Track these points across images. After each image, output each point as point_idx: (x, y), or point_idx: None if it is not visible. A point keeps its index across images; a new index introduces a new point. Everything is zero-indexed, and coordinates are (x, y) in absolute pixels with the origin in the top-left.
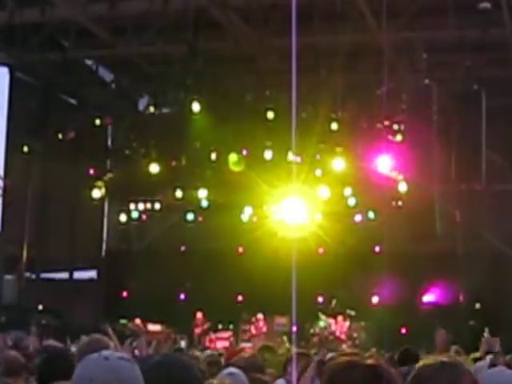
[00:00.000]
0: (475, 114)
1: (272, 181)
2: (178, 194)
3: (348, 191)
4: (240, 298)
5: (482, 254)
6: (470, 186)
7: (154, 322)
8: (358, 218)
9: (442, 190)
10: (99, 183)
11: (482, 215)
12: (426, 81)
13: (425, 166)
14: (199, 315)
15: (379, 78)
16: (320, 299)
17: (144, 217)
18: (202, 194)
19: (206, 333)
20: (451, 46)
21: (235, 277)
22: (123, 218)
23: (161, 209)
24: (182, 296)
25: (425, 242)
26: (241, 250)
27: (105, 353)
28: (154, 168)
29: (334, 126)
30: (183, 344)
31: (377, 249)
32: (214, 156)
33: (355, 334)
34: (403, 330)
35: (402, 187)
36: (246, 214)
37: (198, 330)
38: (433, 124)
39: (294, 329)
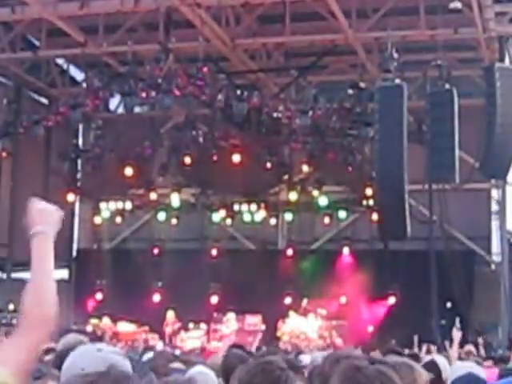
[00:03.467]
0: (447, 114)
1: (242, 183)
2: (151, 194)
3: (316, 192)
4: (211, 297)
5: (453, 254)
6: (441, 185)
7: (126, 321)
8: (327, 218)
9: (413, 189)
10: (70, 186)
11: (454, 214)
12: (397, 80)
13: (396, 166)
14: (170, 314)
15: (351, 77)
16: (291, 299)
17: (115, 216)
18: (174, 193)
19: (176, 332)
20: (422, 45)
21: (207, 277)
22: (94, 217)
23: (132, 208)
24: (154, 295)
25: (395, 240)
26: (211, 249)
27: (98, 345)
28: (127, 170)
29: (303, 128)
30: (159, 343)
31: (346, 248)
32: (187, 159)
33: (326, 333)
34: (371, 329)
35: (368, 191)
36: (219, 215)
37: (168, 330)
38: (403, 123)
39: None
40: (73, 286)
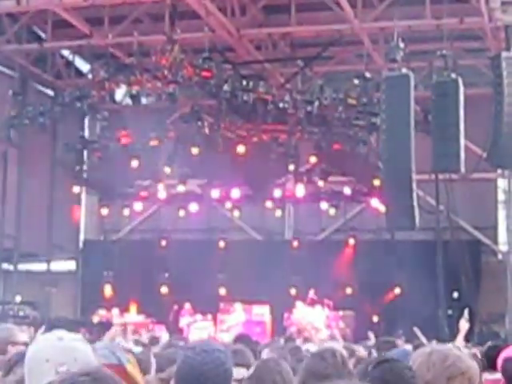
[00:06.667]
0: (452, 104)
1: (248, 173)
2: (158, 185)
3: (321, 183)
4: (218, 288)
5: (460, 243)
6: (448, 175)
7: (134, 312)
8: (333, 208)
9: (420, 179)
10: (77, 177)
11: (460, 204)
12: (403, 70)
13: (403, 156)
14: (187, 306)
15: (356, 67)
16: (298, 289)
17: (121, 207)
18: (181, 185)
19: (192, 323)
20: (428, 35)
21: (214, 267)
22: (100, 209)
23: (138, 199)
24: (161, 287)
25: (402, 231)
26: (218, 240)
27: (58, 333)
28: (133, 161)
29: (309, 119)
30: (164, 335)
31: (352, 238)
32: (195, 150)
33: (333, 324)
34: (380, 319)
35: (375, 181)
36: (226, 205)
37: (185, 321)
38: (410, 113)
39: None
40: (79, 278)
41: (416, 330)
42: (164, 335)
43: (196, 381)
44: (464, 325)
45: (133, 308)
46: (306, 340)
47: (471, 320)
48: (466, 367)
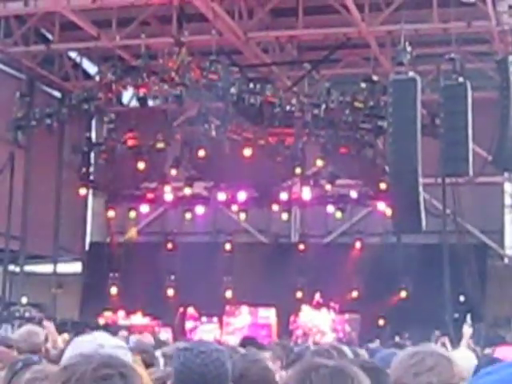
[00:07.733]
0: (461, 107)
1: (254, 176)
2: (164, 188)
3: (328, 186)
4: (224, 290)
5: (466, 247)
6: (454, 179)
7: (140, 315)
8: (339, 212)
9: (426, 182)
10: (83, 179)
11: (467, 208)
12: (410, 73)
13: (409, 159)
14: (191, 310)
15: (363, 71)
16: (304, 292)
17: (127, 210)
18: (188, 187)
19: (196, 327)
20: (435, 38)
21: (220, 270)
22: (107, 211)
23: (145, 201)
24: (167, 289)
25: (408, 234)
26: (225, 243)
27: (99, 340)
28: (140, 163)
29: (316, 122)
30: (167, 337)
31: (359, 242)
32: (201, 152)
33: (339, 327)
34: (386, 323)
35: (382, 185)
36: (232, 208)
37: (190, 325)
38: (417, 116)
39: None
40: (85, 280)
41: (437, 332)
42: (163, 335)
43: (195, 383)
44: (467, 330)
45: (138, 310)
46: (314, 343)
47: (477, 324)
48: (434, 363)
